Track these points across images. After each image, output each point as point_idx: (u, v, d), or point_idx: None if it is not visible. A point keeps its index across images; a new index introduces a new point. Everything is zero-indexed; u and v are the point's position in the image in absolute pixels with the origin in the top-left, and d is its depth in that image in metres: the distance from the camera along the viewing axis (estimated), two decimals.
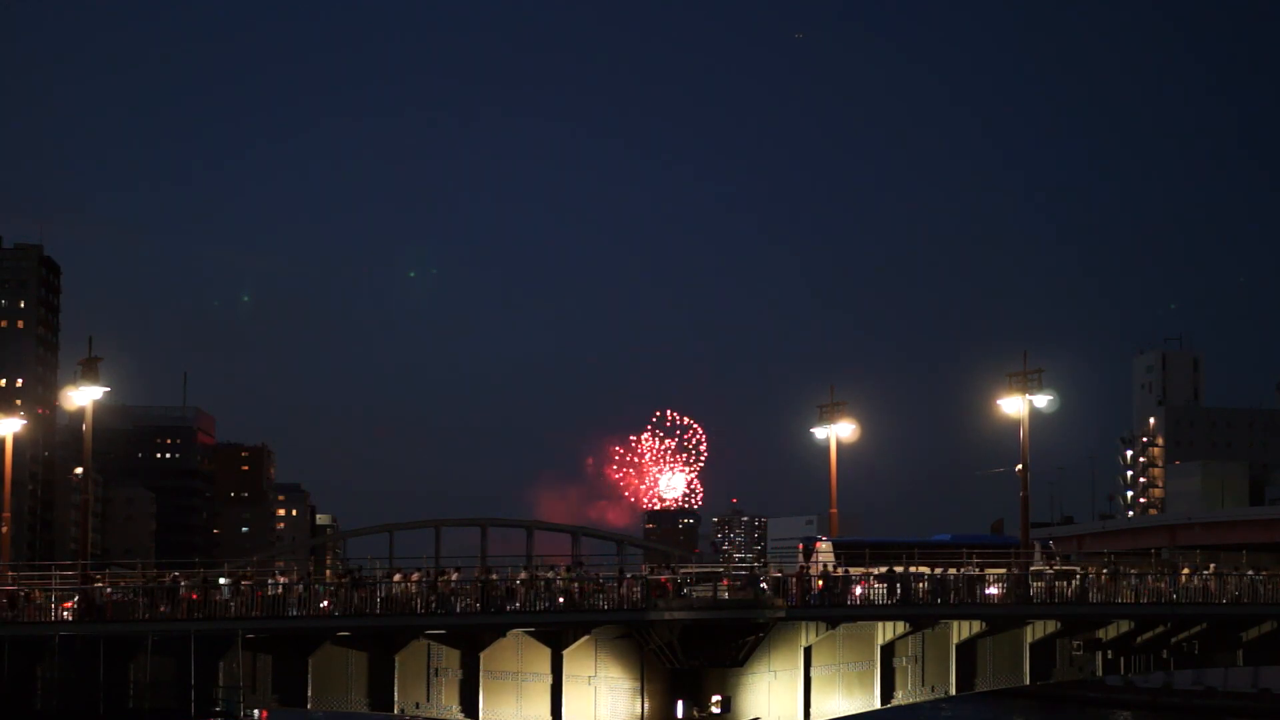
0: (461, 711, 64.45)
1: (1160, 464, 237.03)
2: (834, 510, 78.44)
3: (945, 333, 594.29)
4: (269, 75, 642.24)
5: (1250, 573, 74.31)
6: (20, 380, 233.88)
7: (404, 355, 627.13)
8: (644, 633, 64.69)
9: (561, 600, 64.05)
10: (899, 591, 67.65)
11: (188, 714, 58.59)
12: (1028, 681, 73.29)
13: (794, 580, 67.06)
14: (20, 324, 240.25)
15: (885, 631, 69.11)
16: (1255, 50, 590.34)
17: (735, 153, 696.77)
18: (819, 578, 67.63)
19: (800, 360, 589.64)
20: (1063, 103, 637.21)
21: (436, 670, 64.34)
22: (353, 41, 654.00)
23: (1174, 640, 74.00)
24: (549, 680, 65.32)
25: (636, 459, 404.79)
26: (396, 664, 63.49)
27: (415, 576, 63.43)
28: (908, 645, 69.72)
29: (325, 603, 61.67)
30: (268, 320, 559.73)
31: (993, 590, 68.92)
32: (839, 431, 77.33)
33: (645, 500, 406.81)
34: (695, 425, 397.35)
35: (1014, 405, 74.40)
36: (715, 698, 65.75)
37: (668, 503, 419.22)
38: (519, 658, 65.06)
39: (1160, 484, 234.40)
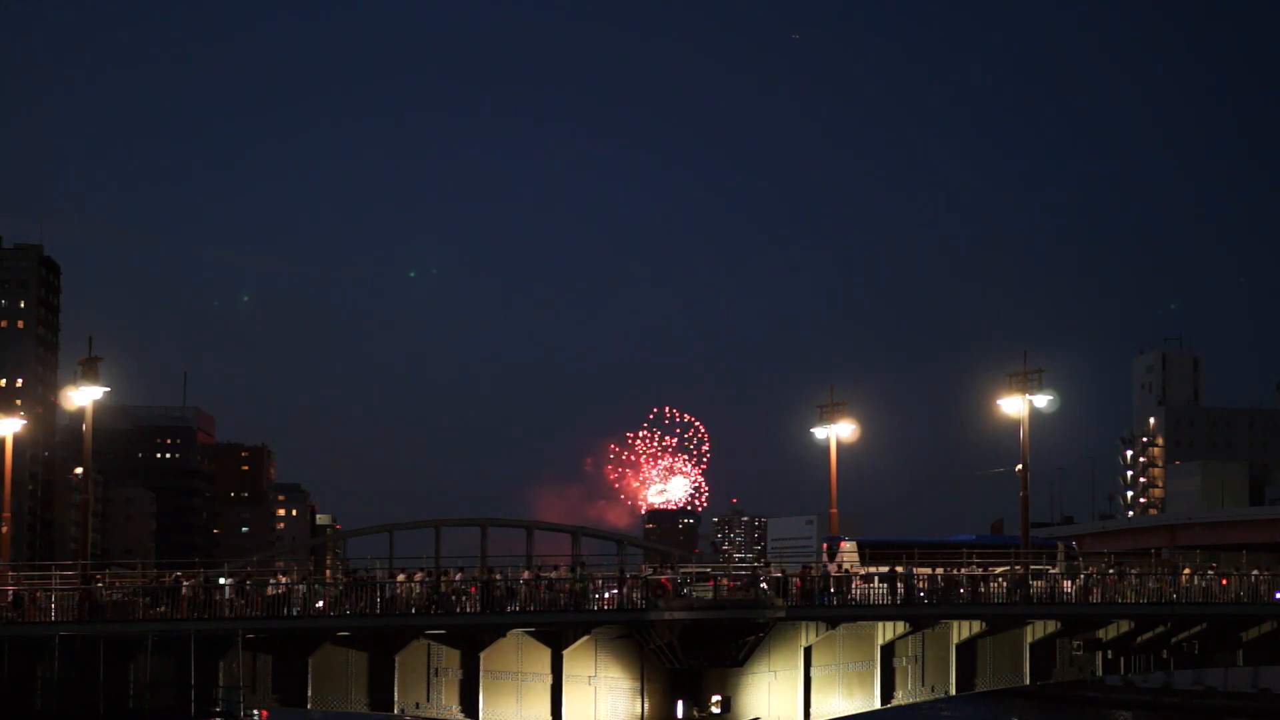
0: (461, 711, 64.44)
1: (1160, 464, 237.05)
2: (834, 510, 78.44)
3: (945, 333, 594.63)
4: (269, 75, 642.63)
5: (1256, 573, 74.29)
6: (20, 380, 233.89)
7: (404, 355, 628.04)
8: (644, 633, 64.69)
9: (562, 600, 64.07)
10: (900, 591, 67.70)
11: (188, 714, 58.59)
12: (1028, 681, 73.30)
13: (795, 580, 67.00)
14: (20, 324, 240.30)
15: (885, 631, 69.11)
16: (1255, 50, 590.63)
17: (736, 153, 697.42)
18: (819, 578, 67.59)
19: (800, 360, 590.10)
20: (1063, 103, 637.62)
21: (436, 670, 64.33)
22: (353, 42, 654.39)
23: (1174, 640, 74.01)
24: (549, 680, 65.31)
25: (634, 458, 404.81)
26: (396, 664, 63.47)
27: (418, 576, 63.45)
28: (908, 645, 69.72)
29: (320, 603, 61.64)
30: (268, 320, 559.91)
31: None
32: (839, 431, 77.32)
33: (646, 500, 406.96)
34: (697, 423, 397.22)
35: (1014, 405, 74.41)
36: (715, 698, 65.75)
37: (669, 503, 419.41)
38: (519, 658, 65.06)
39: (1160, 484, 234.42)
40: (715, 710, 65.75)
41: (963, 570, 68.79)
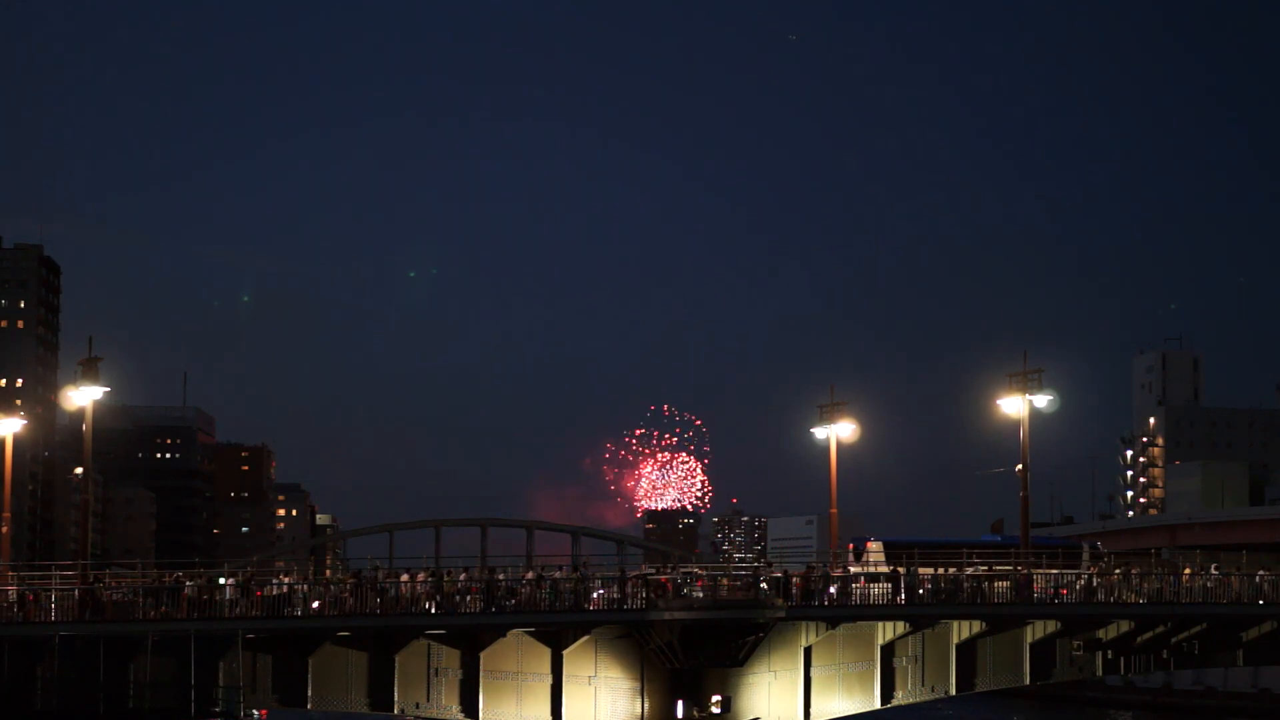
0: (461, 711, 64.42)
1: (1160, 464, 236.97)
2: (834, 510, 78.35)
3: (945, 333, 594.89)
4: (269, 76, 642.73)
5: (1262, 573, 74.26)
6: (20, 380, 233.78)
7: (404, 355, 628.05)
8: (644, 633, 64.66)
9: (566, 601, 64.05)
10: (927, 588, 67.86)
11: (188, 714, 58.56)
12: (1028, 681, 73.28)
13: (796, 581, 67.00)
14: (20, 324, 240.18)
15: (885, 631, 69.09)
16: (1255, 51, 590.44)
17: (736, 153, 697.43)
18: (820, 578, 67.58)
19: (800, 360, 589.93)
20: (1063, 103, 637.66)
21: (436, 670, 64.32)
22: (353, 42, 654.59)
23: (1174, 640, 73.99)
24: (549, 680, 65.29)
25: (632, 458, 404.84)
26: (396, 664, 63.45)
27: (421, 576, 63.46)
28: (908, 645, 69.70)
29: (316, 603, 61.61)
30: (268, 320, 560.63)
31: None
32: (839, 431, 77.23)
33: (646, 500, 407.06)
34: (698, 422, 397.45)
35: (1014, 405, 74.37)
36: (715, 698, 65.71)
37: (673, 503, 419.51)
38: (519, 658, 65.04)
39: (1160, 484, 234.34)
40: (715, 710, 65.70)
41: (991, 569, 68.99)
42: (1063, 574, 70.21)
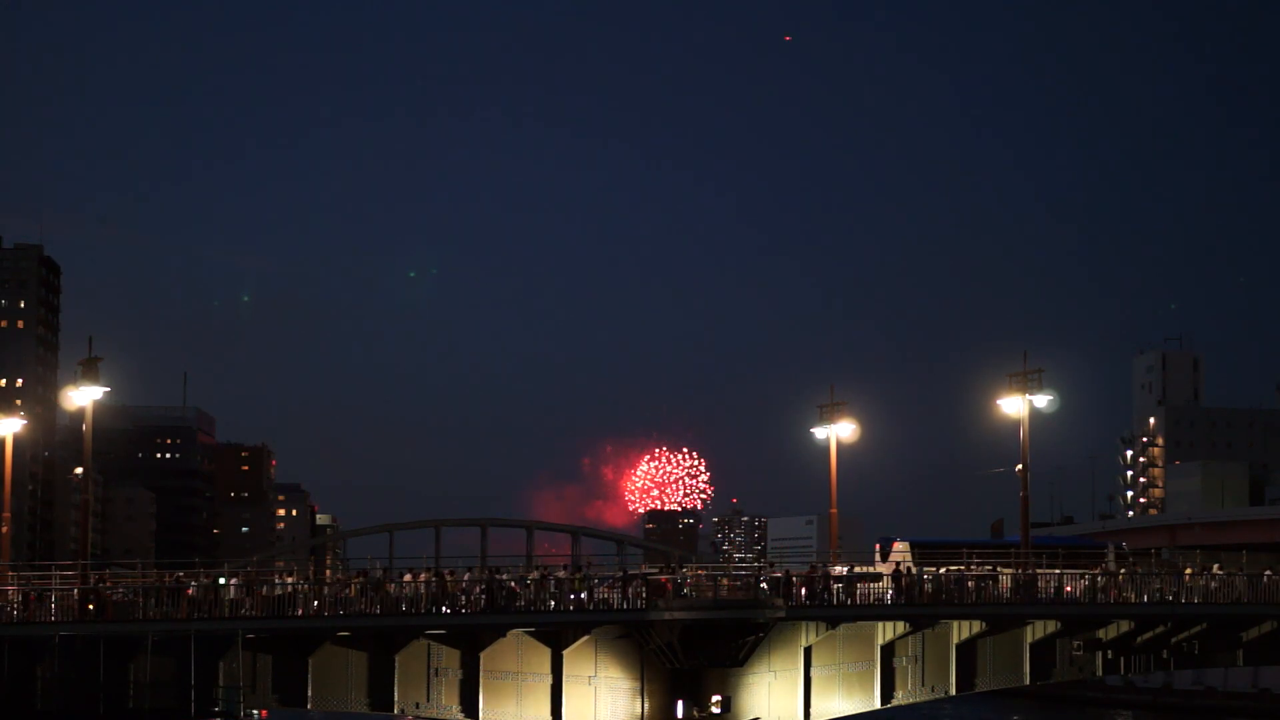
0: (461, 711, 64.44)
1: (1160, 464, 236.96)
2: (834, 510, 78.40)
3: (945, 333, 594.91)
4: (269, 76, 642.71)
5: (1269, 573, 74.26)
6: (20, 380, 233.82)
7: (404, 355, 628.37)
8: (644, 633, 64.66)
9: (569, 600, 64.08)
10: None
11: (188, 714, 58.55)
12: (1028, 681, 73.29)
13: (797, 582, 67.02)
14: (20, 324, 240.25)
15: (885, 631, 69.11)
16: (1255, 50, 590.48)
17: (736, 154, 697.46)
18: (821, 578, 67.60)
19: (800, 360, 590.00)
20: (1063, 103, 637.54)
21: (436, 670, 64.33)
22: (352, 42, 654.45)
23: (1174, 640, 73.99)
24: (549, 680, 65.30)
25: (632, 458, 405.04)
26: (396, 664, 63.47)
27: (424, 576, 63.49)
28: (908, 645, 69.71)
29: (315, 602, 61.60)
30: (268, 320, 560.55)
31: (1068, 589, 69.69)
32: (839, 431, 77.24)
33: (646, 496, 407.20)
34: (694, 426, 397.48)
35: (1014, 405, 74.38)
36: (715, 698, 65.73)
37: (670, 503, 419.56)
38: (519, 658, 65.05)
39: (1160, 484, 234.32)
40: (715, 710, 65.72)
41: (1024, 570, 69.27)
42: (1084, 574, 70.29)
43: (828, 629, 67.52)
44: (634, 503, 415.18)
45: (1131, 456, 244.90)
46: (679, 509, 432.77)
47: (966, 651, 70.55)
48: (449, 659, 64.42)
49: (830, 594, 66.91)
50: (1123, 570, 73.58)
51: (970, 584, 68.34)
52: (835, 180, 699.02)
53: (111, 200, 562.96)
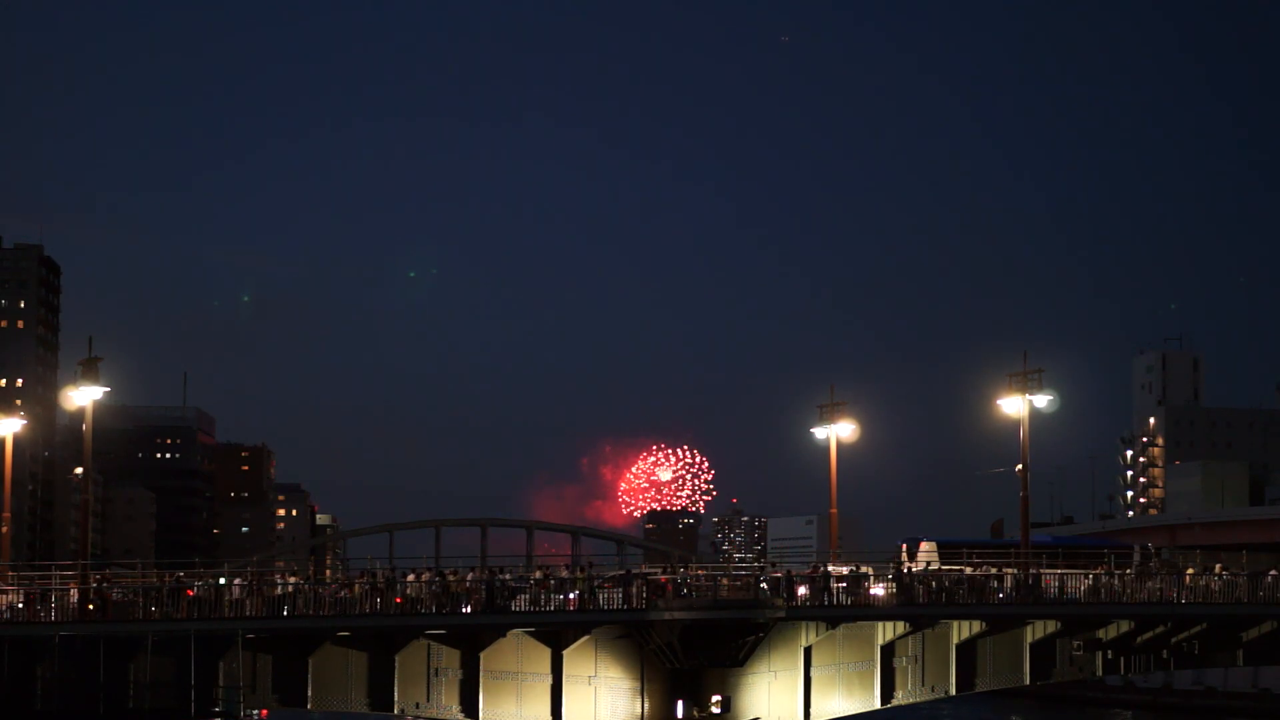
0: (461, 711, 64.43)
1: (1160, 464, 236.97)
2: (834, 510, 78.35)
3: (945, 333, 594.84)
4: (269, 76, 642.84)
5: (1274, 572, 74.25)
6: (20, 380, 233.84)
7: (404, 355, 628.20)
8: (644, 633, 64.67)
9: (570, 599, 64.09)
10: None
11: (188, 714, 58.56)
12: (1028, 681, 73.30)
13: (798, 582, 67.04)
14: (20, 324, 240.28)
15: (885, 631, 69.11)
16: (1255, 50, 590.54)
17: (735, 153, 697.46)
18: (821, 577, 67.61)
19: (800, 360, 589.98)
20: (1063, 103, 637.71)
21: (436, 670, 64.32)
22: (353, 44, 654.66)
23: (1174, 640, 74.00)
24: (549, 680, 65.30)
25: (631, 457, 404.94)
26: (396, 664, 63.46)
27: (425, 576, 63.51)
28: (908, 645, 69.72)
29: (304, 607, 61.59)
30: (268, 320, 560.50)
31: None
32: (839, 431, 77.20)
33: (647, 494, 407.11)
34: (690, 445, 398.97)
35: (1014, 405, 74.30)
36: (715, 698, 65.73)
37: (673, 505, 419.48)
38: (519, 658, 65.05)
39: (1160, 484, 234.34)
40: (715, 710, 65.73)
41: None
42: (1113, 575, 70.53)
43: (828, 629, 67.53)
44: (629, 505, 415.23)
45: (1131, 456, 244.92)
46: (680, 509, 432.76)
47: (966, 651, 70.56)
48: (449, 659, 64.41)
49: (830, 594, 66.94)
50: (1162, 569, 73.74)
51: (995, 584, 68.59)
52: (835, 180, 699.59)
53: (111, 200, 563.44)
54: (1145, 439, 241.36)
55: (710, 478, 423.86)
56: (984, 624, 69.65)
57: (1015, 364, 74.97)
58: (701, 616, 63.85)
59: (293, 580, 62.83)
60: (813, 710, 68.08)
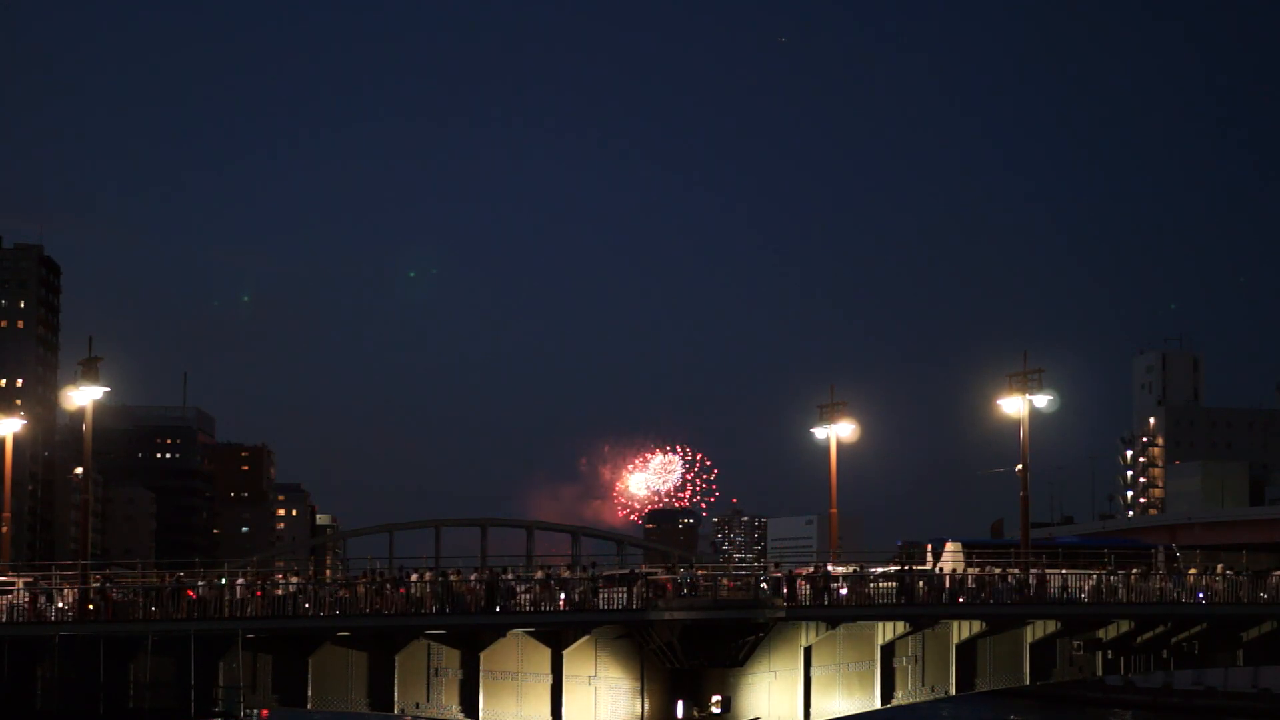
0: (461, 711, 64.44)
1: (1160, 464, 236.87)
2: (834, 510, 78.34)
3: (945, 333, 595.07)
4: (269, 77, 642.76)
5: (1277, 573, 74.25)
6: (20, 380, 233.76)
7: (404, 355, 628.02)
8: (644, 633, 64.68)
9: (572, 600, 64.08)
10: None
11: (188, 714, 58.56)
12: (1028, 681, 73.29)
13: (800, 582, 67.01)
14: (20, 324, 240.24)
15: (885, 631, 69.11)
16: (1255, 51, 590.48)
17: (735, 153, 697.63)
18: (822, 576, 67.61)
19: (800, 360, 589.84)
20: (1063, 103, 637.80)
21: (436, 670, 64.33)
22: (352, 44, 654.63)
23: (1174, 640, 74.01)
24: (549, 680, 65.30)
25: (631, 457, 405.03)
26: (396, 664, 63.46)
27: (428, 576, 63.50)
28: (908, 645, 69.71)
29: (307, 604, 61.59)
30: (268, 320, 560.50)
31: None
32: (839, 431, 77.18)
33: (647, 491, 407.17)
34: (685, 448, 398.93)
35: (1014, 405, 74.30)
36: (715, 698, 65.74)
37: (672, 502, 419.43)
38: (519, 658, 65.05)
39: (1160, 484, 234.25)
40: (715, 710, 65.73)
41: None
42: (1128, 575, 70.66)
43: (828, 629, 67.53)
44: (628, 506, 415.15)
45: (1131, 456, 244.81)
46: (678, 508, 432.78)
47: (966, 651, 70.56)
48: (449, 659, 64.42)
49: (830, 594, 66.94)
50: (1192, 570, 73.76)
51: (1020, 583, 68.71)
52: (835, 180, 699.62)
53: (111, 200, 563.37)
54: (1145, 439, 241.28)
55: (711, 475, 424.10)
56: (984, 624, 69.65)
57: (1015, 364, 75.01)
58: (701, 616, 63.86)
59: (294, 580, 62.73)
60: (813, 710, 68.08)
